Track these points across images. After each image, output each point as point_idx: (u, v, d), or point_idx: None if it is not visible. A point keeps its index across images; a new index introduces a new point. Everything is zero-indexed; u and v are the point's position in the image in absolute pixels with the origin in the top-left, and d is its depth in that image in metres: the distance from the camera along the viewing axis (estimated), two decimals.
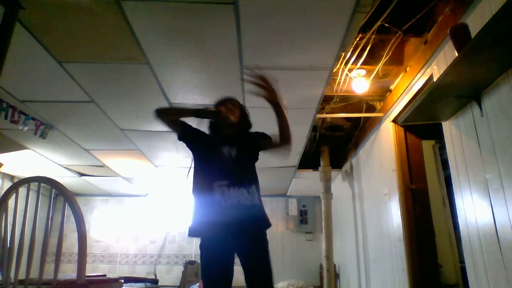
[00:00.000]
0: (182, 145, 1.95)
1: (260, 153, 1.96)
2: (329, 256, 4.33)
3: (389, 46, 2.76)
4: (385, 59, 2.85)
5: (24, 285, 1.62)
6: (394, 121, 3.16)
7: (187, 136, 1.93)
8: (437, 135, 2.82)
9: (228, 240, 1.68)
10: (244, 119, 1.98)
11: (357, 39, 2.66)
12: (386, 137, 3.31)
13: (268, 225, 1.80)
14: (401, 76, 3.07)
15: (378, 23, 2.49)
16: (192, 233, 1.73)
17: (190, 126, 1.94)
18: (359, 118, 3.94)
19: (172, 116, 1.93)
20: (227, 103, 1.91)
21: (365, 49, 2.76)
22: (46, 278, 1.65)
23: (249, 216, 1.71)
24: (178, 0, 1.91)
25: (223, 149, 1.84)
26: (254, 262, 1.69)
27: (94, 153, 4.43)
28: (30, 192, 1.72)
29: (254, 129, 2.02)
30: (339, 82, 3.22)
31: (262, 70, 1.82)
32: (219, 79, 2.71)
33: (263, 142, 1.95)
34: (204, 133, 1.99)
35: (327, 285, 4.30)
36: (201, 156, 1.91)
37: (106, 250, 6.45)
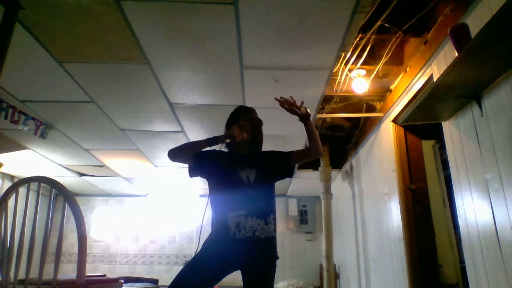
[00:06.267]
0: None
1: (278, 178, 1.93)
2: (329, 256, 4.33)
3: (389, 46, 2.76)
4: (385, 59, 2.85)
5: (24, 285, 1.61)
6: (394, 121, 3.16)
7: (199, 168, 1.85)
8: (437, 135, 2.81)
9: (232, 263, 1.68)
10: (258, 134, 1.95)
11: (357, 39, 2.66)
12: (386, 137, 3.31)
13: (276, 258, 1.76)
14: (401, 76, 3.06)
15: (378, 23, 2.49)
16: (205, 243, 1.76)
17: (203, 155, 1.85)
18: (359, 118, 3.94)
19: (188, 153, 1.82)
20: (242, 118, 1.90)
21: (365, 49, 2.76)
22: (46, 278, 1.64)
23: (261, 252, 1.70)
24: (178, 0, 1.91)
25: (242, 174, 1.78)
26: None
27: (94, 153, 4.43)
28: (30, 192, 1.72)
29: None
30: (339, 82, 3.21)
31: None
32: (219, 79, 2.71)
33: (294, 159, 1.93)
34: (220, 154, 1.91)
35: (327, 285, 4.30)
36: (217, 183, 1.82)
37: (106, 250, 6.45)
